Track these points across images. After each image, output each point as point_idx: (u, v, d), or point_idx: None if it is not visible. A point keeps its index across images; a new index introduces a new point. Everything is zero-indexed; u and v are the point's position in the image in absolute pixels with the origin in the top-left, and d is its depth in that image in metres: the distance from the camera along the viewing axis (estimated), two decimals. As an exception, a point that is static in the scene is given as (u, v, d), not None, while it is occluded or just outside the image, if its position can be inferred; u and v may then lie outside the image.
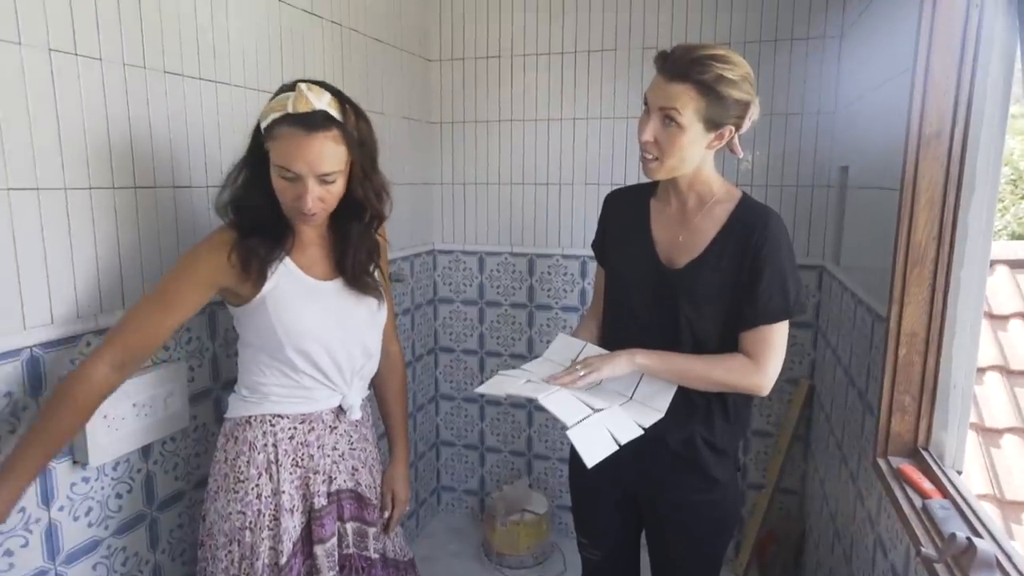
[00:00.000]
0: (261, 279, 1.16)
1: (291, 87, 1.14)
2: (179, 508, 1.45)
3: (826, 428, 1.97)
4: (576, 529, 1.49)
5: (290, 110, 1.09)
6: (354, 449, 1.33)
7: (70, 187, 1.16)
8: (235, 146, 1.53)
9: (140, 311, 1.12)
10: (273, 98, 1.14)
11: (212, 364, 1.51)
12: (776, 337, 1.24)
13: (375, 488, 1.37)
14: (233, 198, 1.18)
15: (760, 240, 1.20)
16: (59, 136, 1.14)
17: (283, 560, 1.20)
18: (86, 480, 1.23)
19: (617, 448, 1.09)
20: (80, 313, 1.20)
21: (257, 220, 1.16)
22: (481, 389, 1.20)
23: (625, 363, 1.21)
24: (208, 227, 1.46)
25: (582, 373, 1.19)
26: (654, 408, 1.21)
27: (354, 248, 1.27)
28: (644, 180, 1.41)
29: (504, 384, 1.21)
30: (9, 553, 1.10)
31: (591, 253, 2.46)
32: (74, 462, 1.20)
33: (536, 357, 1.37)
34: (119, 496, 1.30)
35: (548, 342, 2.59)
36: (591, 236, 2.54)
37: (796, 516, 2.36)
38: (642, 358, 1.22)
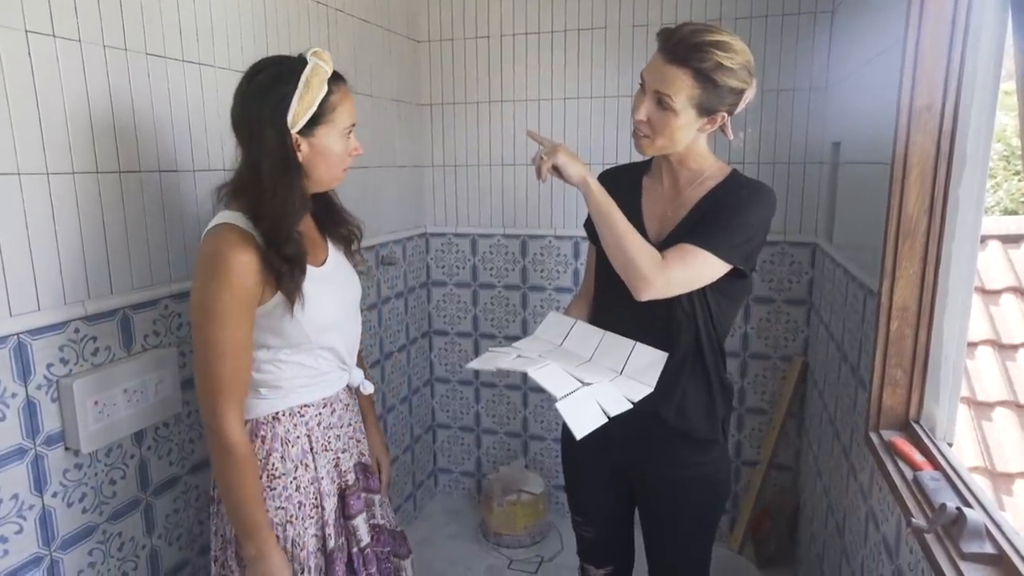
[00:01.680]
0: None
1: (291, 65, 1.10)
2: (174, 493, 1.45)
3: (819, 404, 1.98)
4: (570, 507, 1.50)
5: (330, 70, 1.11)
6: (355, 423, 1.34)
7: (52, 172, 1.15)
8: (220, 129, 1.51)
9: (221, 357, 1.07)
10: (296, 87, 1.07)
11: (204, 349, 1.51)
12: (697, 261, 1.16)
13: (369, 456, 1.40)
14: (285, 224, 1.09)
15: (732, 194, 1.21)
16: (39, 120, 1.12)
17: (331, 544, 1.21)
18: (79, 467, 1.23)
19: (606, 420, 1.09)
20: (67, 299, 1.19)
21: (297, 240, 1.11)
22: (472, 365, 1.20)
23: (577, 170, 1.18)
24: (195, 211, 1.46)
25: (544, 156, 1.18)
26: (643, 383, 1.21)
27: (342, 210, 1.30)
28: (637, 159, 1.41)
29: (495, 359, 1.21)
30: (3, 540, 1.10)
31: (584, 233, 2.46)
32: (66, 448, 1.20)
33: (529, 336, 1.38)
34: (113, 482, 1.30)
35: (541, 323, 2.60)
36: (583, 217, 2.54)
37: (790, 491, 2.38)
38: (592, 182, 1.19)
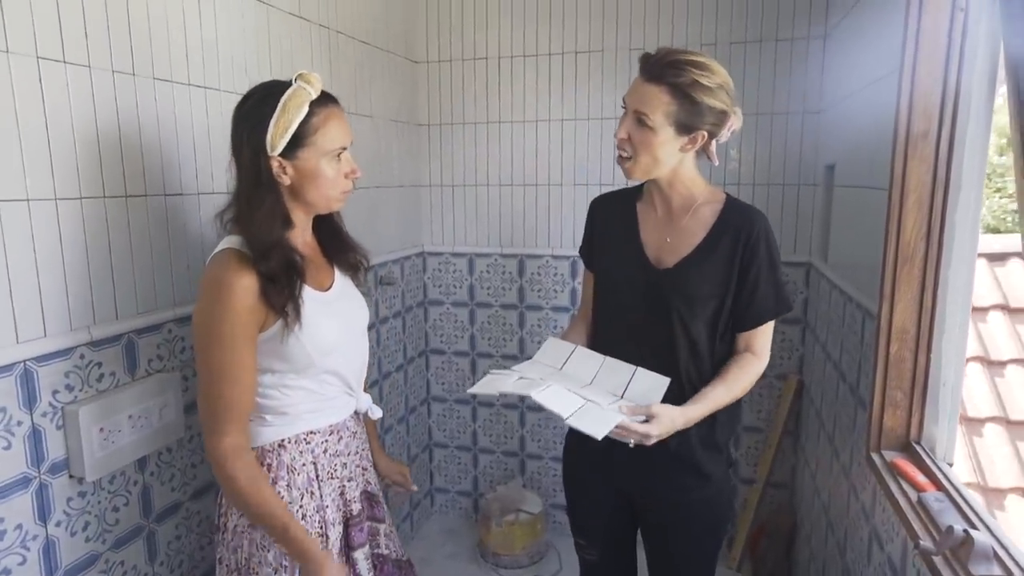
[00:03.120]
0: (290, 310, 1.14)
1: (276, 89, 1.11)
2: (176, 519, 1.43)
3: (817, 423, 2.00)
4: (572, 530, 1.50)
5: (315, 94, 1.10)
6: (361, 450, 1.33)
7: (60, 197, 1.14)
8: (224, 152, 1.51)
9: (223, 381, 1.07)
10: (272, 114, 1.08)
11: (206, 373, 1.50)
12: (770, 330, 1.32)
13: (376, 484, 1.39)
14: (264, 241, 1.09)
15: (754, 242, 1.24)
16: (49, 146, 1.12)
17: None
18: (82, 495, 1.21)
19: (619, 421, 1.10)
20: (73, 325, 1.18)
21: (283, 255, 1.11)
22: (473, 389, 1.21)
23: (671, 426, 1.19)
24: (199, 235, 1.46)
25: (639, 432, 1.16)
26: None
27: (347, 238, 1.30)
28: (631, 184, 1.43)
29: (496, 383, 1.21)
30: (7, 572, 1.08)
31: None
32: (70, 476, 1.18)
33: (527, 359, 1.38)
34: (116, 509, 1.29)
35: (539, 343, 2.61)
36: (580, 236, 2.56)
37: (787, 509, 2.39)
38: (682, 418, 1.20)
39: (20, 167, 1.07)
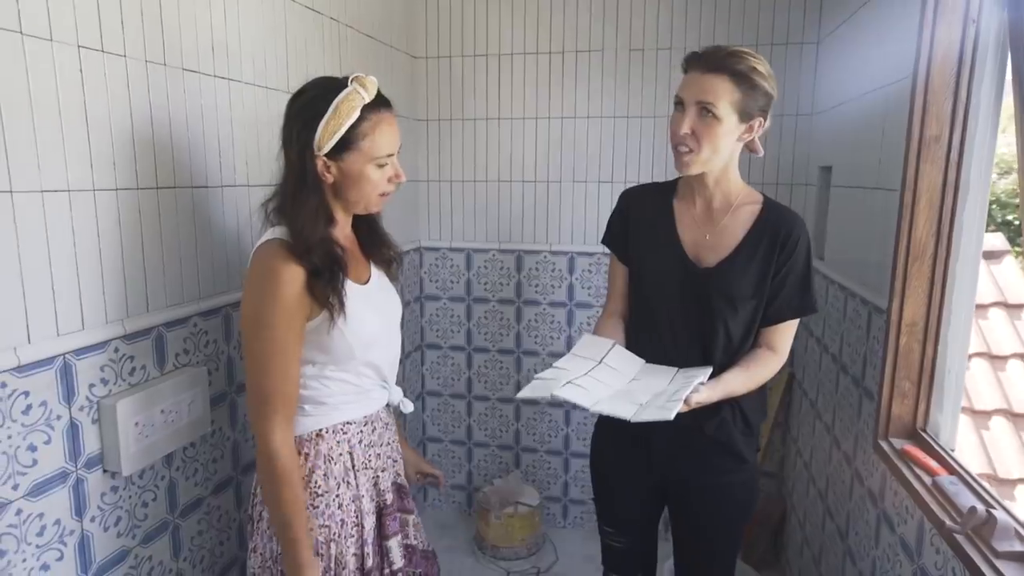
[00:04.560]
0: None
1: (331, 88, 1.12)
2: (199, 515, 1.42)
3: (812, 414, 2.09)
4: (600, 518, 1.53)
5: (368, 98, 1.11)
6: (392, 442, 1.34)
7: (98, 188, 1.12)
8: (246, 144, 1.50)
9: (270, 368, 1.08)
10: (327, 110, 1.09)
11: (227, 367, 1.49)
12: (792, 329, 1.37)
13: (404, 476, 1.40)
14: (309, 238, 1.10)
15: (792, 243, 1.29)
16: (88, 136, 1.10)
17: (369, 563, 1.21)
18: (115, 489, 1.20)
19: (679, 408, 1.14)
20: (108, 318, 1.16)
21: (326, 249, 1.11)
22: (523, 394, 1.20)
23: (710, 397, 1.25)
24: (223, 228, 1.44)
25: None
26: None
27: (383, 234, 1.31)
28: (631, 177, 1.47)
29: (548, 387, 1.20)
30: (46, 567, 1.07)
31: (578, 249, 2.56)
32: (104, 471, 1.17)
33: (565, 354, 1.38)
34: (145, 504, 1.27)
35: (536, 338, 2.65)
36: (579, 233, 2.58)
37: (776, 498, 2.48)
38: (724, 388, 1.27)
39: (62, 156, 1.05)
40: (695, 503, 1.41)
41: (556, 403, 2.62)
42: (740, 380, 1.30)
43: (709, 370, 1.26)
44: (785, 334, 1.36)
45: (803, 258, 1.31)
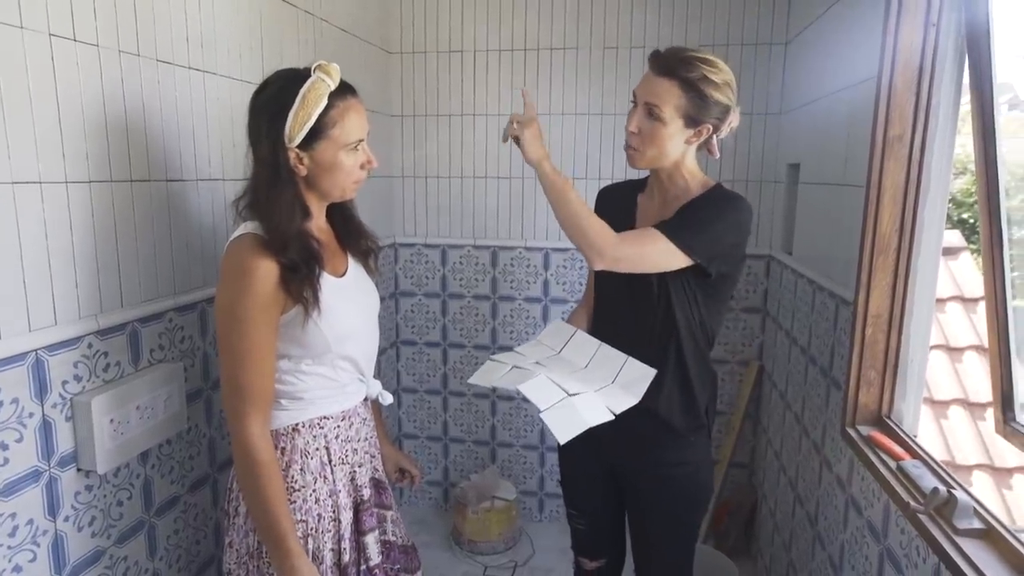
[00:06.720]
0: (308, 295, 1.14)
1: (294, 79, 1.11)
2: (175, 513, 1.40)
3: (781, 405, 2.14)
4: (564, 500, 1.60)
5: (333, 85, 1.10)
6: (370, 437, 1.34)
7: (71, 180, 1.10)
8: (220, 137, 1.48)
9: (245, 363, 1.07)
10: (294, 102, 1.07)
11: (203, 363, 1.47)
12: (649, 242, 1.24)
13: (383, 472, 1.40)
14: (285, 232, 1.09)
15: (709, 197, 1.31)
16: (60, 126, 1.08)
17: (346, 558, 1.21)
18: (89, 488, 1.18)
19: (587, 428, 1.15)
20: (82, 313, 1.14)
21: (302, 243, 1.11)
22: (473, 379, 1.26)
23: (534, 152, 1.30)
24: (199, 222, 1.43)
25: (516, 124, 1.32)
26: (631, 394, 1.27)
27: (360, 224, 1.31)
28: (604, 174, 1.49)
29: (491, 373, 1.26)
30: (18, 569, 1.04)
31: (553, 245, 2.58)
32: (78, 470, 1.15)
33: (526, 342, 1.44)
34: (120, 503, 1.25)
35: (512, 333, 2.66)
36: (553, 229, 2.60)
37: (747, 488, 2.55)
38: (547, 165, 1.29)
39: (33, 148, 1.03)
40: (642, 491, 1.44)
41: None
42: (573, 194, 1.26)
43: (653, 373, 1.27)
44: (639, 234, 1.26)
45: (708, 205, 1.28)
